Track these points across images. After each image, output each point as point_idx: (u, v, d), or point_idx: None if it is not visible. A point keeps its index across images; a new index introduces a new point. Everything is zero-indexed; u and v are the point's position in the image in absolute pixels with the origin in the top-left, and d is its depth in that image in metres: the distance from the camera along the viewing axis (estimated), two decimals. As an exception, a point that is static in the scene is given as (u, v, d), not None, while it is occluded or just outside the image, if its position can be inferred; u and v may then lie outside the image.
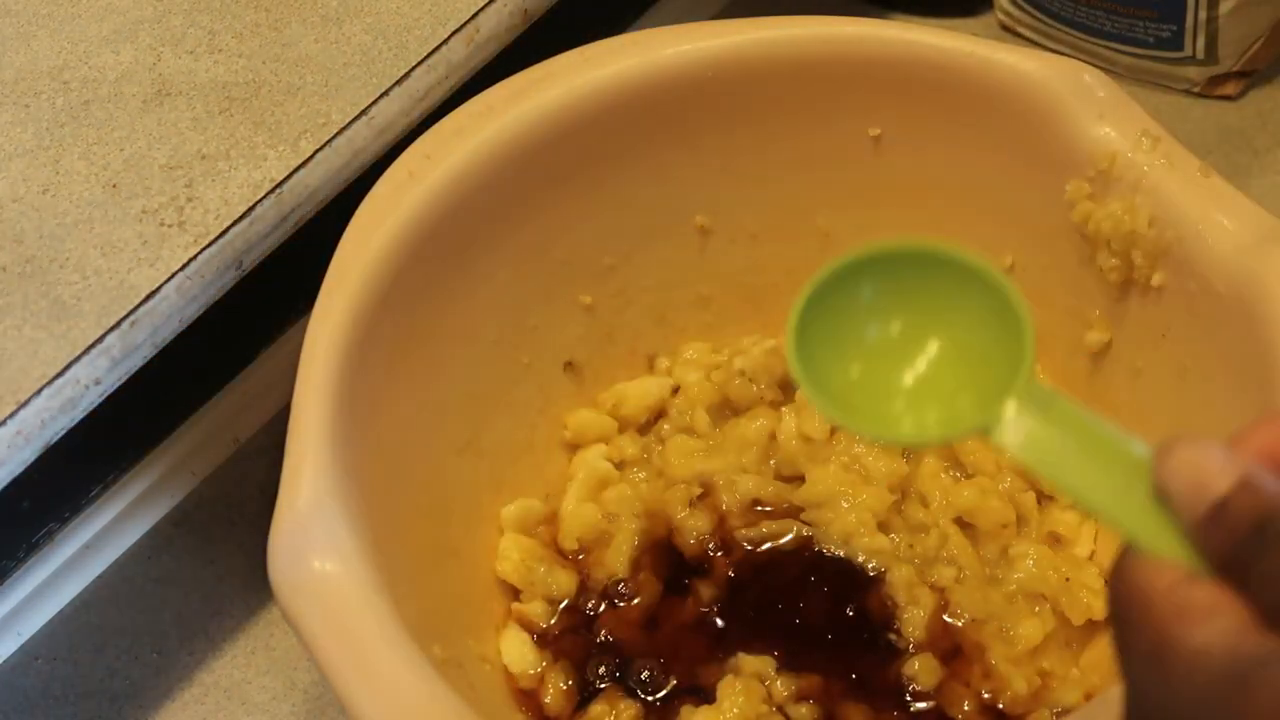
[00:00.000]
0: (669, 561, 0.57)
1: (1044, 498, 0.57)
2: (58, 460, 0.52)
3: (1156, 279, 0.53)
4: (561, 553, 0.58)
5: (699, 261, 0.62)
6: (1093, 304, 0.56)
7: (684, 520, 0.58)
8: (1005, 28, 0.75)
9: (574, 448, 0.61)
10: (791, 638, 0.55)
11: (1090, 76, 0.54)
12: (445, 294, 0.55)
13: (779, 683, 0.53)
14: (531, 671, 0.55)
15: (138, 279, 0.53)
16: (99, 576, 0.61)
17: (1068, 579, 0.54)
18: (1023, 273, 0.59)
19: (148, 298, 0.53)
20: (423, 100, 0.59)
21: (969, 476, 0.57)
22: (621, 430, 0.61)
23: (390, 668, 0.44)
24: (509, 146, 0.55)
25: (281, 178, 0.55)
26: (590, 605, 0.57)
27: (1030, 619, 0.54)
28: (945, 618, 0.55)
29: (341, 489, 0.47)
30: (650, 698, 0.54)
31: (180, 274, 0.53)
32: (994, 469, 0.57)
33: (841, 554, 0.56)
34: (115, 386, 0.52)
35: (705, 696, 0.53)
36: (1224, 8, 0.68)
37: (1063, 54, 0.56)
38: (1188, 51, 0.69)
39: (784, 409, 0.59)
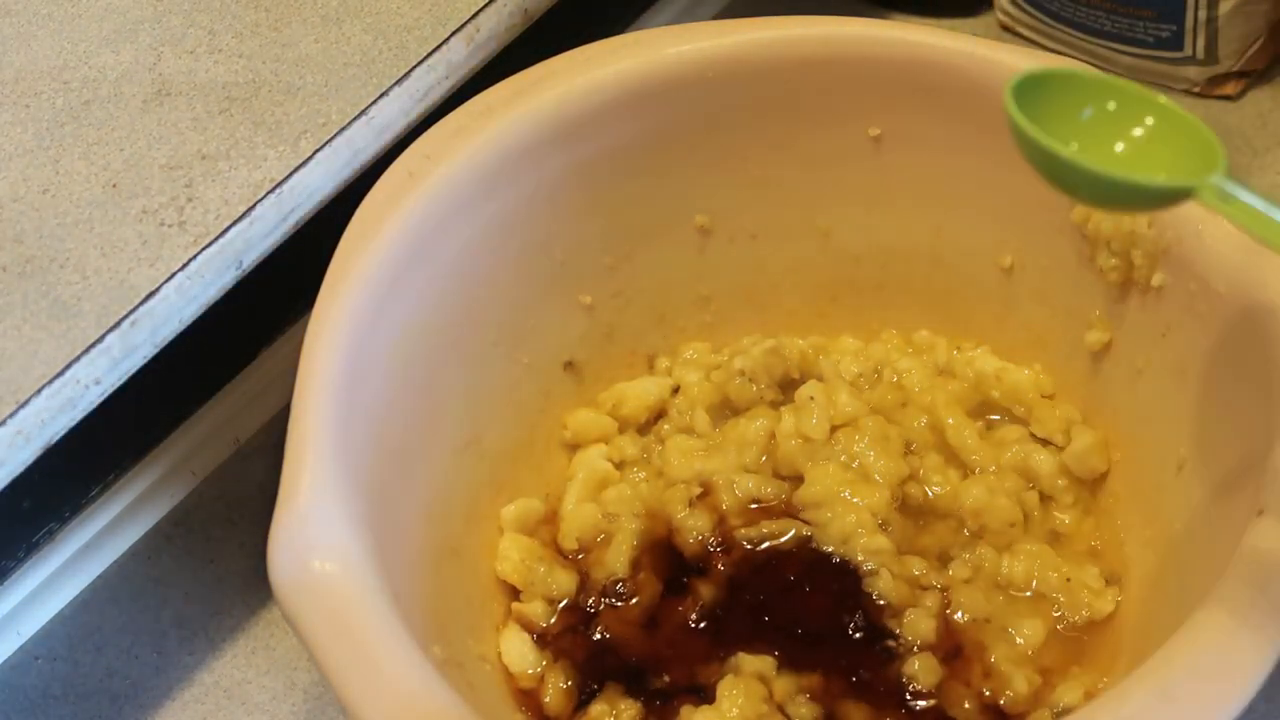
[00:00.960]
0: (669, 561, 0.57)
1: (1045, 497, 0.57)
2: (58, 460, 0.52)
3: (1156, 279, 0.53)
4: (561, 553, 0.58)
5: (699, 261, 0.62)
6: (1093, 304, 0.56)
7: (684, 520, 0.58)
8: (1005, 28, 0.75)
9: (574, 448, 0.61)
10: (791, 638, 0.55)
11: (1090, 76, 0.54)
12: (445, 294, 0.55)
13: (779, 683, 0.53)
14: (531, 671, 0.55)
15: (138, 279, 0.53)
16: (99, 576, 0.61)
17: (1068, 579, 0.54)
18: (1023, 273, 0.59)
19: (148, 298, 0.53)
20: (423, 100, 0.59)
21: (970, 475, 0.57)
22: (621, 430, 0.61)
23: (390, 668, 0.44)
24: (509, 146, 0.55)
25: (281, 178, 0.55)
26: (590, 605, 0.57)
27: (1031, 618, 0.54)
28: (946, 616, 0.55)
29: (341, 489, 0.47)
30: (650, 698, 0.54)
31: (180, 274, 0.53)
32: (996, 468, 0.57)
33: (841, 554, 0.56)
34: (115, 386, 0.52)
35: (705, 696, 0.53)
36: (1224, 8, 0.68)
37: (1063, 54, 0.56)
38: (1187, 51, 0.69)
39: (784, 409, 0.59)
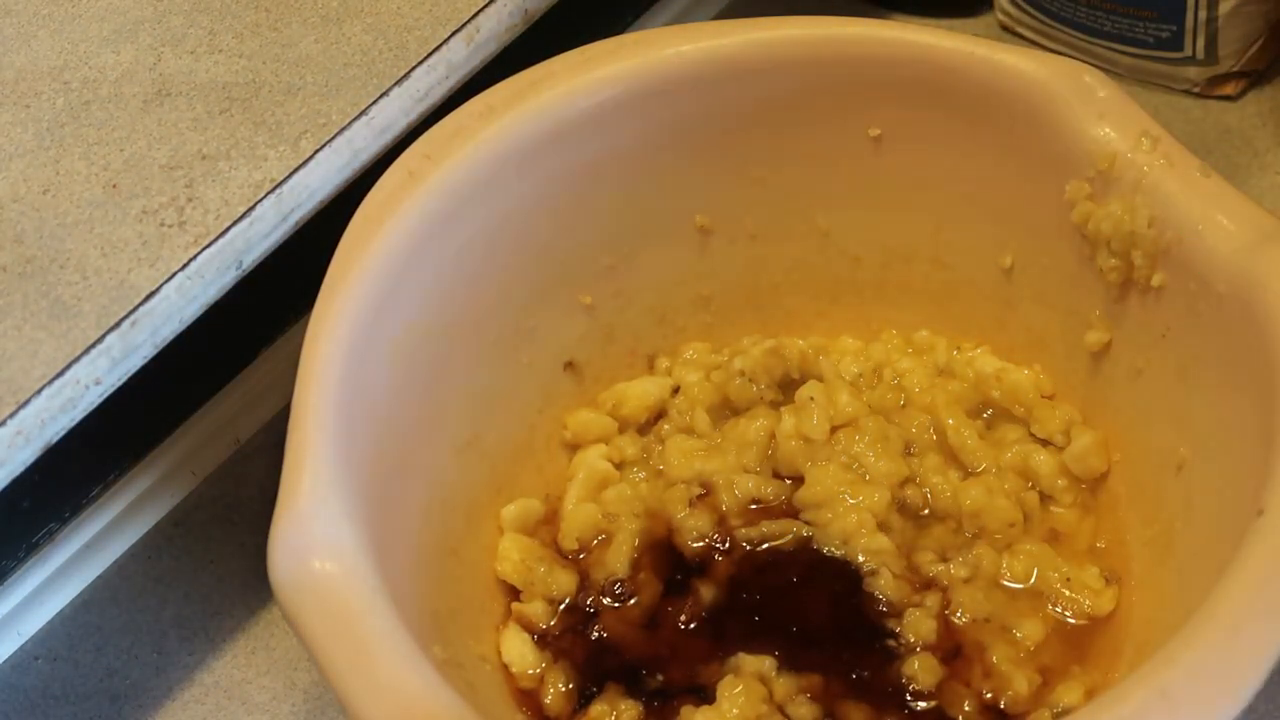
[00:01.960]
0: (669, 561, 0.57)
1: (1045, 497, 0.57)
2: (58, 460, 0.52)
3: (1156, 279, 0.53)
4: (561, 553, 0.58)
5: (699, 261, 0.62)
6: (1093, 304, 0.56)
7: (684, 520, 0.58)
8: (1005, 28, 0.75)
9: (574, 448, 0.61)
10: (791, 638, 0.55)
11: (1090, 77, 0.54)
12: (445, 294, 0.55)
13: (779, 683, 0.53)
14: (531, 671, 0.55)
15: (138, 279, 0.53)
16: (99, 576, 0.61)
17: (1068, 579, 0.54)
18: (1023, 273, 0.59)
19: (148, 298, 0.53)
20: (423, 100, 0.59)
21: (970, 475, 0.57)
22: (621, 430, 0.61)
23: (390, 668, 0.44)
24: (509, 146, 0.55)
25: (281, 178, 0.55)
26: (590, 605, 0.57)
27: (1031, 618, 0.54)
28: (946, 616, 0.55)
29: (341, 489, 0.47)
30: (650, 698, 0.54)
31: (180, 274, 0.53)
32: (996, 468, 0.57)
33: (841, 554, 0.56)
34: (115, 386, 0.52)
35: (705, 696, 0.53)
36: (1224, 8, 0.68)
37: (1063, 54, 0.56)
38: (1187, 52, 0.69)
39: (784, 409, 0.59)
